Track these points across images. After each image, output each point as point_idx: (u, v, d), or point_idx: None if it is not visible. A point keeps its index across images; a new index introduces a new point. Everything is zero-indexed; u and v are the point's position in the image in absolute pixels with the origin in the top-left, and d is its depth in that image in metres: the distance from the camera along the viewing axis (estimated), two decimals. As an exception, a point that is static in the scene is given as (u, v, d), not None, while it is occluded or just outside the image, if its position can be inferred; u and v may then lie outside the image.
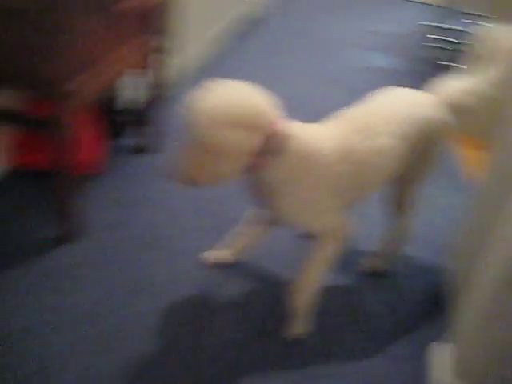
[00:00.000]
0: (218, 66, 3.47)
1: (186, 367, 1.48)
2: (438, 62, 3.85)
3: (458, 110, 1.61)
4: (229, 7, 3.85)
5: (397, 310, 1.79)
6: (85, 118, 2.14)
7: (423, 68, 3.89)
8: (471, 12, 4.20)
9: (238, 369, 1.50)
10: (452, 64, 3.31)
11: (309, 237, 1.60)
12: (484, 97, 1.58)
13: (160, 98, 2.38)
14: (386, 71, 3.88)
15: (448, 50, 3.98)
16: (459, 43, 3.80)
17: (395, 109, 1.56)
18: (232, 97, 1.30)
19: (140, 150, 2.43)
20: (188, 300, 1.70)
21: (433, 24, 4.32)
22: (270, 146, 1.34)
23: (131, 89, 2.47)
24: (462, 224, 1.91)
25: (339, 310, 1.76)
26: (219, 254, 1.85)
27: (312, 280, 1.55)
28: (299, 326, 1.62)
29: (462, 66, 2.16)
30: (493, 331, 1.32)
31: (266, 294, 1.77)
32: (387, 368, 1.57)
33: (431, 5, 4.89)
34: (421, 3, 5.61)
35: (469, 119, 1.64)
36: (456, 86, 1.63)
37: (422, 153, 1.62)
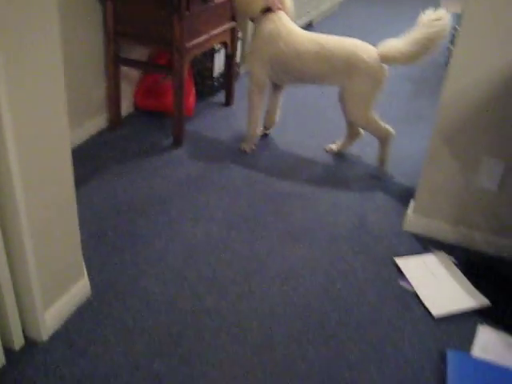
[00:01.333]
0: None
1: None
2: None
3: (387, 58, 2.61)
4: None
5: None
6: (188, 77, 3.21)
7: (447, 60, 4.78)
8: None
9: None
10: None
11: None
12: (404, 51, 2.56)
13: (233, 67, 3.43)
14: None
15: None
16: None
17: (335, 40, 2.66)
18: None
19: (221, 103, 3.50)
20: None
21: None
22: (263, 14, 2.72)
23: (217, 60, 3.53)
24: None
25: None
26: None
27: (248, 120, 2.95)
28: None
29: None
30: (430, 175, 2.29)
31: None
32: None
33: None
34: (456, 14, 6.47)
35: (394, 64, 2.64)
36: (390, 43, 2.62)
37: (342, 74, 2.66)
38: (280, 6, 2.77)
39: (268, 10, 2.73)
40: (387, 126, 2.79)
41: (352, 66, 2.61)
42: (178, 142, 2.96)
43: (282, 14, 2.75)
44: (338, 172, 2.90)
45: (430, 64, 4.83)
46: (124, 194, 2.52)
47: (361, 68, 2.61)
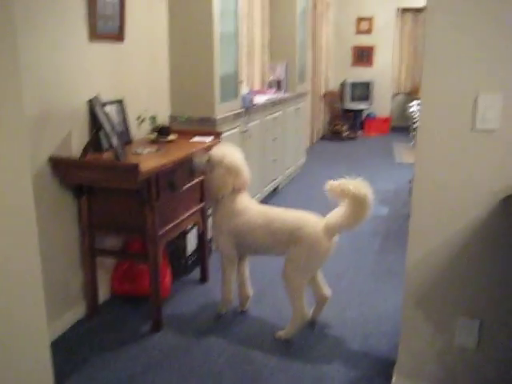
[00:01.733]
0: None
1: None
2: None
3: (333, 228, 2.90)
4: (255, 185, 5.13)
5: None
6: (163, 259, 3.29)
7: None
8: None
9: None
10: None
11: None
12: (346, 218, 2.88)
13: (206, 244, 3.55)
14: (382, 217, 5.03)
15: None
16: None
17: (283, 214, 2.94)
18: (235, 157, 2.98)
19: (196, 280, 3.55)
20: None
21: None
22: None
23: (190, 239, 3.64)
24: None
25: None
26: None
27: (223, 285, 3.11)
28: None
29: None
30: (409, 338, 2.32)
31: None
32: None
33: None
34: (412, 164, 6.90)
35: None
36: (335, 213, 2.95)
37: (286, 245, 2.84)
38: (244, 185, 3.00)
39: (234, 190, 2.96)
40: (305, 310, 2.88)
41: (295, 238, 2.81)
42: (157, 327, 2.96)
43: (243, 192, 3.00)
44: (321, 341, 2.90)
45: (395, 216, 5.06)
46: (105, 390, 2.47)
47: (303, 240, 2.80)
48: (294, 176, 6.59)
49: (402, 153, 8.14)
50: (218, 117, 3.89)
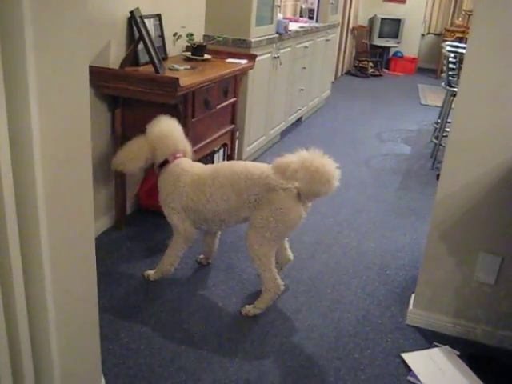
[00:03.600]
0: (276, 146, 4.72)
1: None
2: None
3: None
4: (281, 113, 5.13)
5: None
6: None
7: (433, 152, 5.03)
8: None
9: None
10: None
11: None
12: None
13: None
14: (404, 156, 5.05)
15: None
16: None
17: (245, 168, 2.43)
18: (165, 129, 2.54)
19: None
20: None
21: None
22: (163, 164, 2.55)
23: (216, 160, 3.69)
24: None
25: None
26: None
27: (166, 256, 2.64)
28: None
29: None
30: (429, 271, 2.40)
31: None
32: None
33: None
34: (437, 106, 6.83)
35: None
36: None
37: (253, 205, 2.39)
38: (180, 154, 2.59)
39: (165, 162, 2.57)
40: (278, 281, 2.46)
41: (266, 199, 2.36)
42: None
43: (181, 160, 2.57)
44: (339, 267, 3.00)
45: (417, 156, 5.07)
46: (135, 296, 2.58)
47: (274, 202, 2.34)
48: (319, 108, 6.56)
49: (427, 95, 8.05)
50: (254, 40, 3.85)
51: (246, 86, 3.86)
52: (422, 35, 10.25)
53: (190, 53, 3.40)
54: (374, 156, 4.97)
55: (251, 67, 3.51)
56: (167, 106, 2.73)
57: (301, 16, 6.08)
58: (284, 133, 5.26)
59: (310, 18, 6.01)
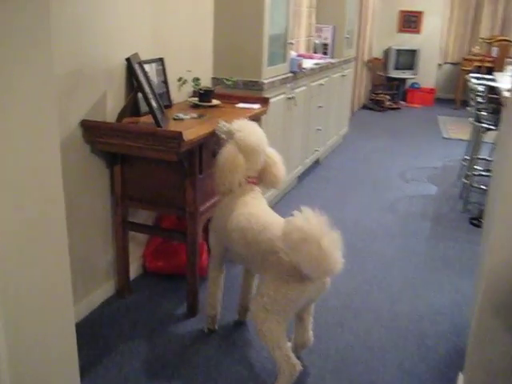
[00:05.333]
0: (295, 191, 4.38)
1: None
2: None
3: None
4: (297, 157, 4.80)
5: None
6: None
7: (463, 193, 4.65)
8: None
9: None
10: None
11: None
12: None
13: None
14: (430, 197, 4.68)
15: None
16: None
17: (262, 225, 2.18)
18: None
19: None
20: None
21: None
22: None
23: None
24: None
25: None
26: None
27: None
28: None
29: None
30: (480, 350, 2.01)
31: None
32: None
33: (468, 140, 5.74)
34: (461, 140, 6.47)
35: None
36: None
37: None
38: (255, 180, 2.36)
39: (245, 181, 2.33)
40: (292, 360, 2.07)
41: (268, 262, 2.09)
42: (192, 312, 2.70)
43: (255, 189, 2.35)
44: (370, 338, 2.62)
45: (445, 197, 4.70)
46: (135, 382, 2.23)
47: (273, 267, 2.06)
48: (336, 146, 6.23)
49: (449, 127, 7.69)
50: (266, 81, 3.55)
51: (260, 131, 3.54)
52: (439, 65, 9.95)
53: (196, 98, 3.11)
54: (398, 199, 4.61)
55: (264, 112, 3.19)
56: (171, 161, 2.42)
57: (315, 52, 5.80)
58: (301, 176, 4.91)
59: (325, 53, 5.72)
